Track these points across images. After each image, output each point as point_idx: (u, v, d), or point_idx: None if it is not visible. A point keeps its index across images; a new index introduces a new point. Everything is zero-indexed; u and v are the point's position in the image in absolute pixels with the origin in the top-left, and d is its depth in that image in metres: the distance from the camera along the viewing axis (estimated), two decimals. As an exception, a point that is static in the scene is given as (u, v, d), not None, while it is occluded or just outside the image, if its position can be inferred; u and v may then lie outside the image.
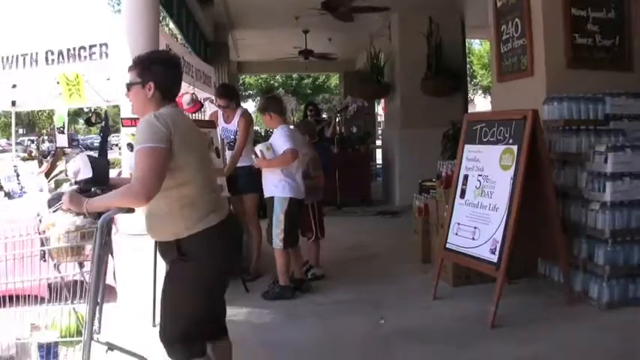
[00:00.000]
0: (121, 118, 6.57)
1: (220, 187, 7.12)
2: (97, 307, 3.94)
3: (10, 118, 13.10)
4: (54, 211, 3.85)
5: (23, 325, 4.53)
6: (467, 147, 6.57)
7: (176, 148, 3.44)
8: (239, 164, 7.46)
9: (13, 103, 10.17)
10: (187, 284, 3.61)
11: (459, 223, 6.37)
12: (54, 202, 3.94)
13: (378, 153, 18.81)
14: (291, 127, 7.79)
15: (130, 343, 4.23)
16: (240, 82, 38.10)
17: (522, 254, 6.38)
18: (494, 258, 5.74)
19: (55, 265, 3.88)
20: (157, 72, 3.66)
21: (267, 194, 6.93)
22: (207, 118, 12.03)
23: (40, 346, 4.44)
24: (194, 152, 3.58)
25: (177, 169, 3.47)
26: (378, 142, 20.97)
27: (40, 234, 3.87)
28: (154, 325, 5.82)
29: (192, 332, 3.63)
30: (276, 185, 6.76)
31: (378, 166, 18.28)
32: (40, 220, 3.88)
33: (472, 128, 6.54)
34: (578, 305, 6.02)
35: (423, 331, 5.66)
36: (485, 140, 6.32)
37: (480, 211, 6.11)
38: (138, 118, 6.22)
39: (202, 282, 3.60)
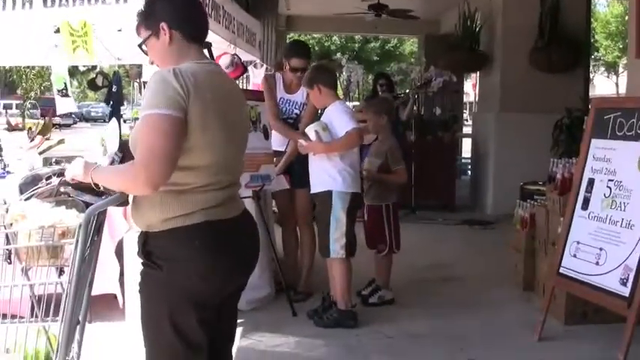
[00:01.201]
0: (143, 82, 6.52)
1: (268, 178, 7.14)
2: (77, 327, 3.87)
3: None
4: (26, 199, 3.69)
5: None
6: (594, 142, 6.44)
7: (191, 120, 3.23)
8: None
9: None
10: (155, 303, 3.46)
11: (578, 242, 6.25)
12: (27, 186, 3.78)
13: (466, 143, 18.50)
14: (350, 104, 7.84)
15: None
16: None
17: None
18: (626, 291, 5.60)
19: (22, 269, 3.73)
20: (165, 8, 3.50)
21: (319, 188, 6.79)
22: (250, 86, 12.07)
23: None
24: (213, 132, 3.34)
25: (184, 149, 3.25)
26: (466, 130, 20.80)
27: (4, 228, 3.69)
28: None
29: None
30: (334, 177, 6.62)
31: (464, 161, 18.15)
32: (7, 210, 3.72)
33: (603, 118, 6.40)
34: None
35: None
36: (620, 135, 6.18)
37: (609, 228, 5.98)
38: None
39: (170, 303, 3.39)
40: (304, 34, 36.61)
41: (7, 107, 43.63)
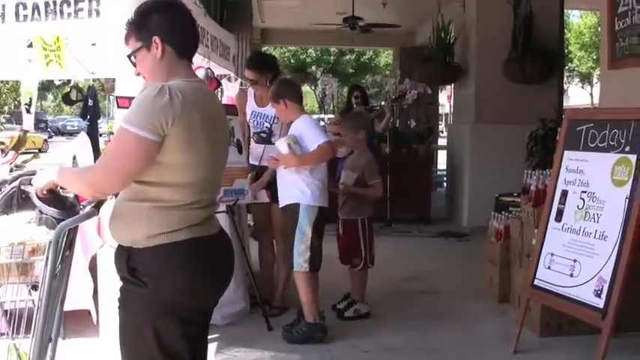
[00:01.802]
0: (116, 97, 6.50)
1: (242, 193, 7.13)
2: (50, 345, 3.85)
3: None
4: None
5: None
6: (567, 154, 6.46)
7: (173, 139, 3.26)
8: None
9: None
10: (137, 319, 3.46)
11: (552, 254, 6.27)
12: None
13: (441, 155, 18.50)
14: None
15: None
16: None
17: (634, 299, 6.25)
18: (600, 302, 5.62)
19: None
20: (159, 22, 3.48)
21: (288, 201, 6.74)
22: (225, 100, 12.06)
23: None
24: (200, 151, 3.37)
25: (167, 167, 3.32)
26: (441, 141, 20.83)
27: None
28: None
29: None
30: (302, 190, 6.57)
31: (440, 173, 18.18)
32: None
33: (575, 129, 6.43)
34: None
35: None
36: (592, 146, 6.20)
37: (583, 240, 5.99)
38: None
39: (154, 318, 3.41)
40: (279, 47, 36.70)
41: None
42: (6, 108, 43.14)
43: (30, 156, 9.04)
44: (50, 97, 44.98)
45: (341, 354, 6.39)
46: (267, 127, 7.58)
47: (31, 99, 12.04)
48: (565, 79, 40.29)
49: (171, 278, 3.37)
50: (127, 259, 3.43)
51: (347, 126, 7.68)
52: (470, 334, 7.00)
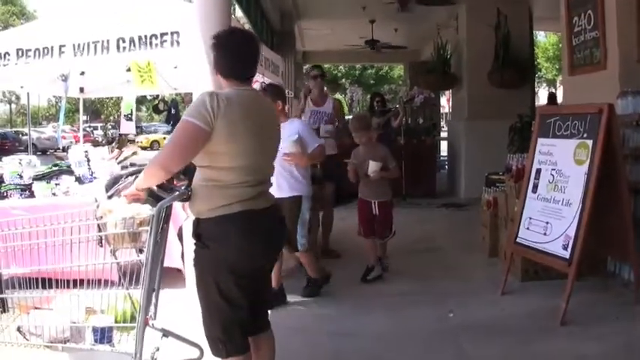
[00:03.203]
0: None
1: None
2: (154, 294, 3.94)
3: (76, 104, 13.25)
4: (109, 196, 3.84)
5: (79, 309, 4.55)
6: (540, 140, 6.44)
7: (219, 132, 3.36)
8: None
9: (81, 90, 10.29)
10: (205, 273, 3.59)
11: (530, 218, 6.26)
12: (111, 185, 3.92)
13: (443, 145, 18.71)
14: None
15: (192, 331, 4.18)
16: (304, 71, 38.24)
17: (593, 251, 6.22)
18: (567, 254, 5.62)
19: (111, 250, 3.86)
20: (213, 51, 3.66)
21: (292, 193, 6.21)
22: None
23: (95, 330, 4.49)
24: (243, 143, 3.45)
25: (216, 154, 3.42)
26: (443, 134, 20.83)
27: (97, 220, 3.85)
28: None
29: (229, 327, 3.56)
30: (303, 183, 6.32)
31: (442, 158, 18.14)
32: (98, 206, 3.86)
33: (546, 121, 6.41)
34: (650, 304, 5.86)
35: (490, 325, 5.58)
36: (559, 134, 6.18)
37: (553, 206, 6.00)
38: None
39: (215, 272, 3.53)
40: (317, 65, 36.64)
41: (93, 129, 44.10)
42: (111, 117, 43.65)
43: (130, 153, 9.14)
44: (144, 108, 45.28)
45: (369, 299, 6.43)
46: (325, 120, 7.98)
47: (132, 110, 12.18)
48: (536, 84, 40.09)
49: (226, 242, 3.46)
50: (196, 227, 3.55)
51: (359, 126, 7.15)
52: (467, 281, 7.00)
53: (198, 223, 3.55)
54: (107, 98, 39.54)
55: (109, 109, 46.73)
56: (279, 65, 10.95)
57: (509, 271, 6.48)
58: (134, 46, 6.92)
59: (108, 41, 7.05)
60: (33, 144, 39.03)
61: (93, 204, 3.91)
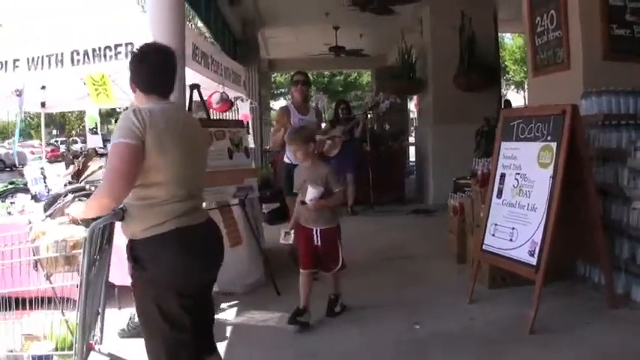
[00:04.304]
0: None
1: (251, 189, 6.98)
2: (99, 316, 3.81)
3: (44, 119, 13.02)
4: (48, 216, 3.73)
5: (14, 337, 4.37)
6: (504, 144, 6.33)
7: (149, 145, 3.28)
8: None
9: (43, 105, 10.10)
10: (144, 296, 3.46)
11: (495, 224, 6.14)
12: (49, 205, 3.83)
13: (412, 150, 18.50)
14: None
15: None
16: (273, 80, 38.12)
17: (561, 255, 6.11)
18: (534, 260, 5.50)
19: (45, 275, 3.73)
20: (132, 69, 3.60)
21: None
22: (240, 116, 11.97)
23: (34, 359, 4.31)
24: (172, 154, 3.37)
25: (146, 169, 3.32)
26: (412, 139, 20.78)
27: (31, 242, 3.72)
28: None
29: (174, 350, 3.44)
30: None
31: (411, 164, 18.09)
32: (30, 229, 3.73)
33: (509, 124, 6.30)
34: (621, 308, 5.76)
35: (458, 335, 5.45)
36: (522, 137, 6.07)
37: (518, 211, 5.87)
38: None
39: (154, 294, 3.40)
40: (282, 74, 36.59)
41: (61, 142, 43.90)
42: (73, 132, 43.36)
43: (97, 167, 8.98)
44: (113, 121, 45.32)
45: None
46: None
47: (96, 123, 11.98)
48: (504, 86, 40.36)
49: (163, 262, 3.36)
50: (130, 249, 3.44)
51: (296, 139, 6.03)
52: (437, 289, 6.89)
53: (132, 245, 3.44)
54: (69, 112, 39.23)
55: (72, 123, 46.46)
56: (240, 75, 10.83)
57: (476, 278, 6.36)
58: (88, 58, 6.83)
59: (62, 54, 6.95)
60: (0, 160, 38.74)
61: (26, 226, 3.75)
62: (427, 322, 5.74)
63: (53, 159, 14.01)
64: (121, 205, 3.46)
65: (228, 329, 5.86)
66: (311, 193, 5.76)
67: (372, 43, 18.80)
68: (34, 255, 3.71)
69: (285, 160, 7.41)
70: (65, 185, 7.55)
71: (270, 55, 21.50)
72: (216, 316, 6.05)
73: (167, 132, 3.37)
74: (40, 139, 39.65)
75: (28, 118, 43.07)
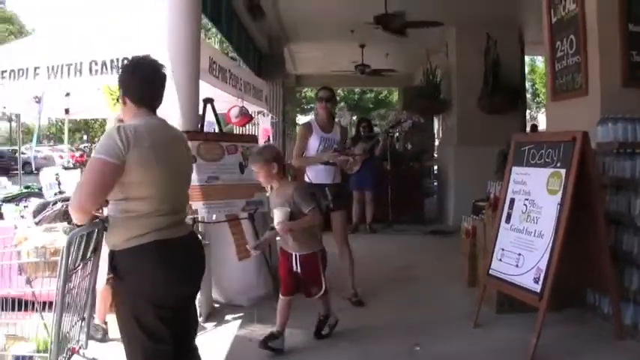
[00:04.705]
0: None
1: (261, 203, 6.95)
2: (84, 322, 3.87)
3: (75, 125, 13.18)
4: (38, 222, 3.78)
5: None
6: (514, 169, 6.28)
7: (131, 162, 3.31)
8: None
9: (67, 111, 10.25)
10: (123, 306, 3.49)
11: (503, 249, 6.08)
12: (38, 212, 3.89)
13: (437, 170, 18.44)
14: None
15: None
16: (303, 95, 38.23)
17: (570, 284, 6.04)
18: (538, 288, 5.42)
19: (27, 279, 3.78)
20: (124, 81, 3.63)
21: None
22: (260, 130, 12.00)
23: (16, 358, 4.39)
24: (156, 170, 3.41)
25: (129, 185, 3.36)
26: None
27: (15, 247, 3.78)
28: None
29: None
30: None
31: (436, 184, 18.04)
32: (14, 234, 3.80)
33: (520, 149, 6.25)
34: (628, 340, 5.66)
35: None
36: (533, 162, 6.01)
37: (525, 237, 5.81)
38: (189, 131, 6.19)
39: (133, 305, 3.42)
40: (310, 89, 36.66)
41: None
42: (96, 139, 43.70)
43: None
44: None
45: (340, 330, 6.15)
46: (335, 148, 7.09)
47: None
48: (534, 109, 40.11)
49: (142, 274, 3.38)
50: (111, 259, 3.47)
51: (257, 160, 5.50)
52: (444, 312, 6.83)
53: (113, 256, 3.46)
54: (92, 120, 39.55)
55: (95, 130, 46.89)
56: (262, 90, 10.89)
57: (485, 302, 6.32)
58: (106, 69, 6.98)
59: (81, 64, 7.09)
60: (28, 163, 39.06)
61: (12, 231, 3.82)
62: (428, 345, 5.69)
63: (79, 164, 14.10)
64: (103, 216, 3.52)
65: (229, 341, 5.86)
66: (276, 217, 5.47)
67: (399, 61, 18.76)
68: (17, 259, 3.76)
69: (305, 179, 7.20)
70: (55, 194, 7.63)
71: (298, 71, 21.54)
72: (219, 327, 6.12)
73: (152, 149, 3.40)
74: (71, 145, 40.14)
75: (60, 123, 43.52)
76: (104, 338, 5.60)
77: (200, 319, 6.34)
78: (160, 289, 3.42)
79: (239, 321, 6.41)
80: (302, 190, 5.64)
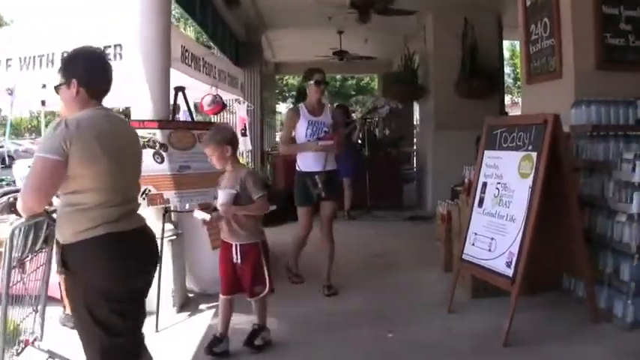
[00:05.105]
0: (129, 120, 6.45)
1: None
2: (37, 314, 3.86)
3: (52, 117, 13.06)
4: None
5: None
6: (487, 153, 6.23)
7: (75, 156, 3.23)
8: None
9: (43, 103, 10.13)
10: (76, 301, 3.41)
11: (475, 233, 6.04)
12: None
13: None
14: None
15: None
16: (284, 82, 38.05)
17: (544, 268, 6.01)
18: (510, 272, 5.38)
19: None
20: (78, 67, 3.51)
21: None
22: (237, 119, 11.92)
23: None
24: (102, 161, 3.33)
25: (76, 178, 3.28)
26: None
27: None
28: (157, 331, 5.74)
29: (110, 356, 3.40)
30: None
31: (414, 170, 18.03)
32: None
33: (492, 133, 6.21)
34: (602, 323, 5.64)
35: (431, 346, 5.35)
36: (505, 146, 5.96)
37: (498, 222, 5.77)
38: (149, 120, 6.12)
39: (86, 299, 3.34)
40: (290, 77, 36.51)
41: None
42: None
43: None
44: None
45: (312, 317, 6.17)
46: (325, 131, 6.83)
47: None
48: (515, 94, 40.05)
49: (94, 267, 3.31)
50: (60, 253, 3.39)
51: (209, 142, 5.23)
52: (420, 297, 6.81)
53: (63, 250, 3.38)
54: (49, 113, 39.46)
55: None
56: (237, 77, 10.80)
57: (456, 287, 6.27)
58: None
59: (53, 54, 7.00)
60: (10, 156, 38.86)
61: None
62: (402, 331, 5.66)
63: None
64: (50, 208, 3.50)
65: (203, 331, 5.78)
66: (220, 197, 5.20)
67: (378, 48, 18.70)
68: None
69: (297, 168, 7.01)
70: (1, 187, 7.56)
71: (276, 58, 21.46)
72: (193, 317, 6.07)
73: (97, 140, 3.31)
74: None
75: (49, 116, 43.34)
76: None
77: (174, 309, 6.31)
78: (111, 282, 3.36)
79: (213, 310, 6.32)
80: (254, 176, 5.34)
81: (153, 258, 3.74)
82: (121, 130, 3.63)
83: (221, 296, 5.30)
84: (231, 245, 5.20)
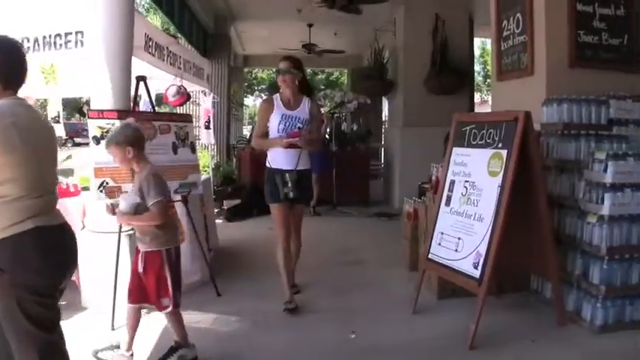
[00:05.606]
0: (88, 110, 6.25)
1: (195, 185, 6.67)
2: None
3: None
4: None
5: None
6: (455, 150, 6.08)
7: None
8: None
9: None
10: (6, 300, 3.24)
11: (442, 233, 5.88)
12: None
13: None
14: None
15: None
16: (253, 76, 37.82)
17: (512, 268, 5.88)
18: (477, 273, 5.23)
19: None
20: None
21: None
22: (202, 111, 11.70)
23: None
24: (20, 150, 3.22)
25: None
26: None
27: None
28: (113, 329, 5.61)
29: (48, 353, 3.32)
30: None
31: (382, 165, 17.94)
32: None
33: (461, 129, 6.05)
34: (570, 326, 5.54)
35: (394, 348, 5.19)
36: (474, 143, 5.81)
37: (465, 221, 5.61)
38: (108, 110, 5.93)
39: (17, 296, 3.21)
40: (260, 70, 36.26)
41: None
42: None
43: (65, 157, 9.25)
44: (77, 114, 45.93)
45: (272, 317, 5.96)
46: (298, 127, 6.23)
47: (58, 112, 11.78)
48: (485, 92, 40.15)
49: (23, 262, 3.21)
50: None
51: (109, 143, 4.70)
52: (384, 297, 6.62)
53: None
54: (37, 100, 39.15)
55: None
56: (203, 68, 10.57)
57: (422, 288, 6.11)
58: (38, 46, 6.65)
59: (13, 41, 6.68)
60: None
61: None
62: (364, 333, 5.49)
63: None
64: None
65: (160, 329, 5.54)
66: (122, 204, 4.71)
67: (348, 42, 18.60)
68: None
69: (267, 164, 6.47)
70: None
71: (246, 51, 21.26)
72: (151, 315, 5.87)
73: (14, 129, 3.20)
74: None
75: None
76: None
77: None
78: (41, 278, 3.28)
79: (169, 307, 6.13)
80: (153, 177, 4.65)
81: (74, 257, 3.63)
82: (37, 121, 3.52)
83: (127, 304, 4.85)
84: (139, 252, 4.77)
